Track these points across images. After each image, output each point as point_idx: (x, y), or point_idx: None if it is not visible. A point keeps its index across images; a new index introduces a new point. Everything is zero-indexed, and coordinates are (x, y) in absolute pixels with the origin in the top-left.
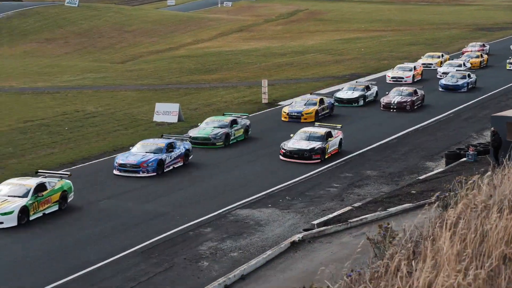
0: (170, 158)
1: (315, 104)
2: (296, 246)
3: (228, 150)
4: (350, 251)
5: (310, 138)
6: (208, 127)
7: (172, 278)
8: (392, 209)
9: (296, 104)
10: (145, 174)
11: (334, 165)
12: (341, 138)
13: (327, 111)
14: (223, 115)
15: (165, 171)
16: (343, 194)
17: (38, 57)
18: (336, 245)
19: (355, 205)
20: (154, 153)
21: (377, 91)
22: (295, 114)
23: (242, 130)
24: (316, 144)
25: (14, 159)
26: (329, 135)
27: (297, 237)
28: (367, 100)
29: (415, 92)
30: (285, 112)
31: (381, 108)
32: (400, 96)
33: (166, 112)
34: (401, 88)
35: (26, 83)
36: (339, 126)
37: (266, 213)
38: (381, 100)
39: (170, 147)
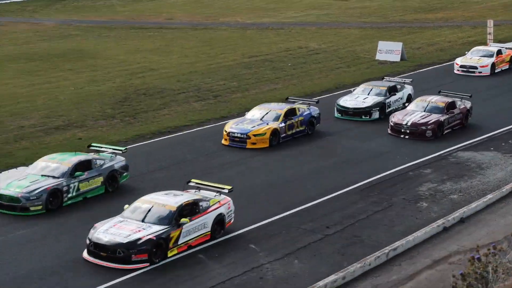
0: None
1: (277, 118)
2: None
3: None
4: None
5: (148, 216)
6: (31, 176)
7: (390, 217)
8: None
9: (248, 119)
10: None
11: None
12: (221, 213)
13: (301, 128)
14: (89, 146)
15: None
16: None
17: None
18: None
19: None
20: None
21: (410, 94)
22: (239, 135)
23: (102, 178)
24: (148, 233)
25: (238, 93)
26: (189, 210)
27: None
28: (388, 110)
29: (451, 106)
30: (225, 132)
31: (389, 131)
32: (422, 114)
33: (389, 50)
34: (429, 98)
35: (251, 19)
36: (227, 188)
37: (488, 156)
38: (390, 118)
39: None
